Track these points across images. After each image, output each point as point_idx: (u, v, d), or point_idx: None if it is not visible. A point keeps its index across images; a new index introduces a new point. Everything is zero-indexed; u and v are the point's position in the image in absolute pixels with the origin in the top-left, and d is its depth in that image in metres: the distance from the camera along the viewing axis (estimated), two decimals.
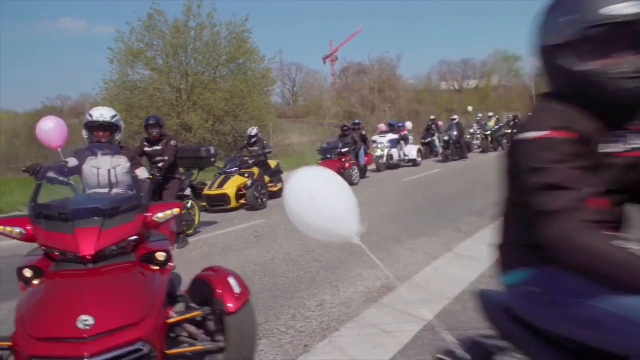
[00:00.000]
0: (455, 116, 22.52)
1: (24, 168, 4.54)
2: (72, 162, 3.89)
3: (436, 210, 9.13)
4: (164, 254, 3.27)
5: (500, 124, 25.49)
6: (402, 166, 18.67)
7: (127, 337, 2.63)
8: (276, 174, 12.04)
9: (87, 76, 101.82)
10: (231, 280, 3.11)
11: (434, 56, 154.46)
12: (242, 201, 10.47)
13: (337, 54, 63.46)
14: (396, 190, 12.19)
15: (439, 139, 21.29)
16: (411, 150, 19.30)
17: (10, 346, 2.69)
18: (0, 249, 8.13)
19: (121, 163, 3.80)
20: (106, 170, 3.76)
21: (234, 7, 32.61)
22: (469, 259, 5.84)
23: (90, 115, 4.77)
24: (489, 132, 23.47)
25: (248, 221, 9.11)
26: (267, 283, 5.32)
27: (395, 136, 18.70)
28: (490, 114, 25.90)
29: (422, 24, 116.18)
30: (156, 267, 3.24)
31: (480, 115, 26.56)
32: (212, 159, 9.71)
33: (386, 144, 18.05)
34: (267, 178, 11.41)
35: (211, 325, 3.11)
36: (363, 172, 15.54)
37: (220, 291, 3.03)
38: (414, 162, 19.05)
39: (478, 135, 24.36)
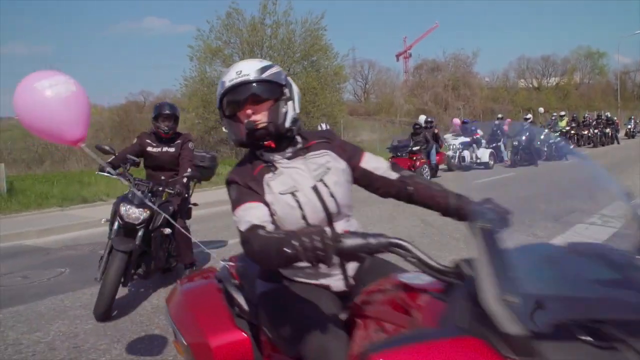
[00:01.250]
0: (530, 116, 21.43)
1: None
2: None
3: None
4: None
5: (573, 124, 23.97)
6: (475, 168, 18.36)
7: None
8: None
9: (169, 73, 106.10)
10: None
11: (512, 53, 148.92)
12: None
13: (411, 51, 62.72)
14: (468, 192, 11.95)
15: (505, 145, 20.57)
16: (484, 154, 18.97)
17: None
18: (83, 236, 8.68)
19: None
20: None
21: (309, 5, 33.02)
22: None
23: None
24: (558, 134, 21.92)
25: None
26: None
27: (467, 139, 18.56)
28: (563, 113, 24.17)
29: (500, 19, 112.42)
30: None
31: (555, 114, 25.10)
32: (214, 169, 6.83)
33: (458, 146, 18.06)
34: None
35: None
36: (435, 171, 15.49)
37: None
38: (486, 165, 18.75)
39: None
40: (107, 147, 4.80)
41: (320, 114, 24.58)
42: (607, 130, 27.59)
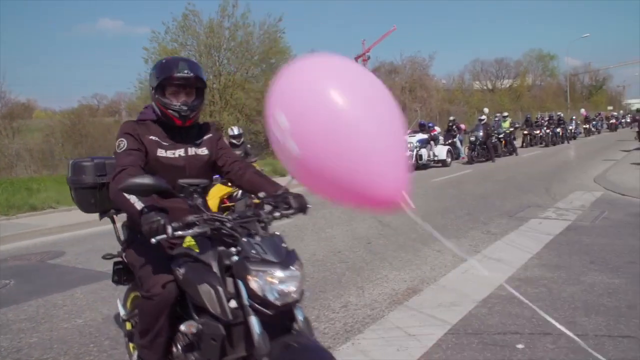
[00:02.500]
0: (484, 116, 21.75)
1: None
2: None
3: (465, 212, 9.00)
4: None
5: (517, 125, 24.44)
6: (432, 167, 18.47)
7: None
8: None
9: (123, 76, 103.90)
10: None
11: (467, 56, 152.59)
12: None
13: (370, 54, 63.18)
14: (425, 190, 12.07)
15: (461, 141, 20.81)
16: (441, 151, 19.08)
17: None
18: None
19: None
20: None
21: (268, 7, 32.93)
22: (498, 262, 5.75)
23: None
24: (502, 135, 22.05)
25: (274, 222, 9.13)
26: None
27: (425, 136, 18.53)
28: (505, 114, 24.64)
29: (455, 23, 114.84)
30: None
31: (498, 115, 25.60)
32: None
33: (415, 144, 17.89)
34: None
35: None
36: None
37: None
38: (443, 163, 18.85)
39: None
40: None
41: None
42: (558, 130, 28.44)
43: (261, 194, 2.51)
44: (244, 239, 2.10)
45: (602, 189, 10.91)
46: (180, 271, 2.32)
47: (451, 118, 23.21)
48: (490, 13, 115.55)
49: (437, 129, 21.69)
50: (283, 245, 2.16)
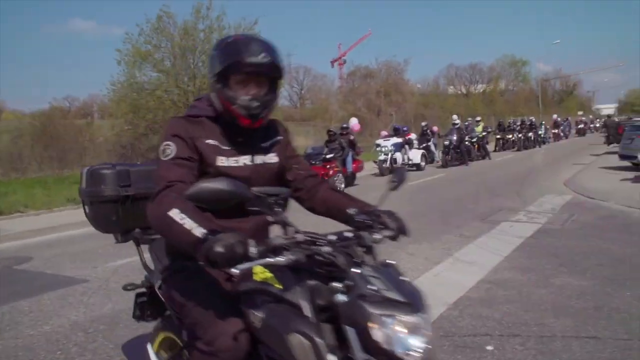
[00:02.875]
0: (457, 120, 21.95)
1: None
2: None
3: (439, 215, 9.08)
4: None
5: (490, 129, 24.79)
6: (406, 170, 18.58)
7: None
8: None
9: (96, 78, 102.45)
10: None
11: (442, 61, 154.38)
12: None
13: (346, 58, 63.39)
14: (399, 194, 12.09)
15: (435, 145, 20.95)
16: (415, 155, 19.15)
17: None
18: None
19: None
20: None
21: (243, 11, 32.80)
22: (470, 265, 5.80)
23: None
24: (475, 139, 22.46)
25: None
26: None
27: (400, 140, 18.53)
28: (478, 118, 25.08)
29: (431, 29, 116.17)
30: None
31: (469, 120, 25.99)
32: None
33: (390, 148, 17.86)
34: None
35: None
36: (351, 180, 14.66)
37: None
38: (418, 167, 18.91)
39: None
40: None
41: None
42: (530, 134, 28.95)
43: (351, 210, 2.01)
44: (356, 270, 1.56)
45: (572, 193, 11.12)
46: (258, 315, 1.71)
47: (423, 123, 23.35)
48: (465, 19, 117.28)
49: (412, 133, 21.83)
50: (403, 278, 1.63)
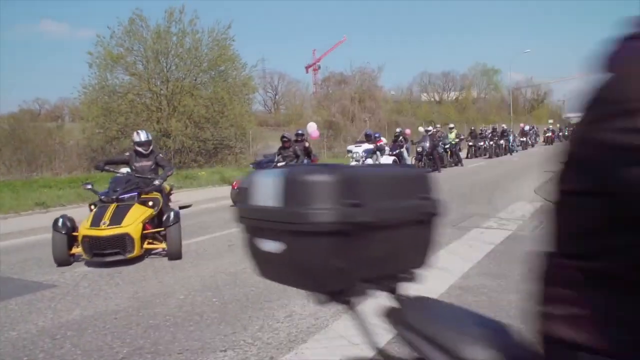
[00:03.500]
0: (430, 127, 22.26)
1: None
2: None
3: None
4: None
5: (462, 137, 25.19)
6: None
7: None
8: (168, 206, 7.90)
9: (66, 80, 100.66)
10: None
11: (415, 68, 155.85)
12: (149, 246, 7.06)
13: (320, 64, 63.71)
14: None
15: (408, 151, 20.96)
16: (387, 161, 18.60)
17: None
18: None
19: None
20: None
21: (217, 15, 32.57)
22: (440, 271, 5.86)
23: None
24: (448, 146, 22.90)
25: (222, 230, 9.01)
26: (237, 293, 5.28)
27: (371, 146, 18.38)
28: (451, 125, 25.51)
29: (404, 36, 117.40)
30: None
31: (438, 126, 26.35)
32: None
33: (361, 154, 17.70)
34: None
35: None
36: None
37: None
38: None
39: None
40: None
41: (228, 124, 24.26)
42: (502, 142, 29.46)
43: None
44: None
45: (542, 200, 11.32)
46: None
47: (398, 130, 23.46)
48: (438, 27, 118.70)
49: (384, 139, 21.90)
50: None
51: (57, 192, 13.63)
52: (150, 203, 7.39)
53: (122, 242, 6.51)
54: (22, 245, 8.43)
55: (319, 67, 62.96)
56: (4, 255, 7.58)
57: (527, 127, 39.75)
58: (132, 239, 6.57)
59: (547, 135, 44.31)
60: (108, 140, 22.05)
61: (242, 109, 25.35)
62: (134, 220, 6.73)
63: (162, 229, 7.08)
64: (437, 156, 20.18)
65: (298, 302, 4.91)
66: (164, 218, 7.06)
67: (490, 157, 27.45)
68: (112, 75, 23.14)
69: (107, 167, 7.95)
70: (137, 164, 7.89)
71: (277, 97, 65.15)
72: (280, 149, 13.37)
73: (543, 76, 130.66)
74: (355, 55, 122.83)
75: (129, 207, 6.91)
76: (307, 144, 14.54)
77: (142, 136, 8.03)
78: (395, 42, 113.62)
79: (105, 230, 6.48)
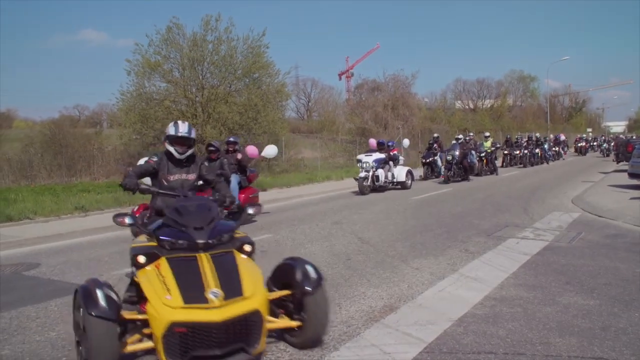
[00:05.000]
0: (460, 135, 21.79)
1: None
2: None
3: (444, 230, 9.06)
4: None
5: (498, 145, 24.62)
6: (390, 189, 16.91)
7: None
8: None
9: (106, 87, 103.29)
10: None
11: (449, 75, 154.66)
12: (274, 325, 4.11)
13: (353, 71, 63.88)
14: (404, 208, 12.14)
15: (442, 159, 20.52)
16: (400, 172, 17.34)
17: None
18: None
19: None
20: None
21: (251, 22, 33.09)
22: (475, 281, 5.79)
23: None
24: (483, 154, 22.50)
25: (254, 236, 9.07)
26: None
27: (382, 156, 16.70)
28: (487, 134, 25.01)
29: (439, 43, 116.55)
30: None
31: (471, 134, 25.96)
32: None
33: (372, 164, 16.09)
34: None
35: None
36: (238, 215, 9.40)
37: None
38: (403, 185, 17.19)
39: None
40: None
41: (262, 131, 24.46)
42: (537, 150, 28.90)
43: None
44: None
45: (580, 210, 11.07)
46: None
47: (435, 135, 23.18)
48: (473, 34, 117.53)
49: (405, 144, 21.28)
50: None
51: (95, 196, 13.94)
52: (248, 248, 4.10)
53: (250, 328, 3.44)
54: (63, 247, 8.65)
55: (352, 74, 63.14)
56: (45, 258, 7.81)
57: (562, 137, 38.39)
58: (261, 321, 3.49)
59: (579, 145, 42.17)
60: (145, 146, 22.47)
61: (275, 115, 25.51)
62: (254, 281, 3.65)
63: (288, 291, 3.99)
64: (468, 165, 19.80)
65: (330, 308, 4.91)
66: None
67: (524, 166, 26.98)
68: (150, 82, 23.56)
69: (147, 187, 4.64)
70: (171, 177, 4.69)
71: (310, 104, 65.45)
72: (206, 160, 10.35)
73: (581, 84, 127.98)
74: (388, 62, 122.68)
75: (230, 258, 3.78)
76: (239, 156, 11.32)
77: (183, 128, 4.72)
78: (429, 49, 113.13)
79: (224, 309, 3.31)
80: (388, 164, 16.84)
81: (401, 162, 17.91)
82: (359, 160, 16.67)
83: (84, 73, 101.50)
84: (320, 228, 9.62)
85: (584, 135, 45.68)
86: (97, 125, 34.10)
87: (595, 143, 45.57)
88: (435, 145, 21.92)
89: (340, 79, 71.25)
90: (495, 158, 23.29)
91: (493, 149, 23.16)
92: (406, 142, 22.26)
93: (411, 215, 11.02)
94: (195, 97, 23.85)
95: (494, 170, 22.42)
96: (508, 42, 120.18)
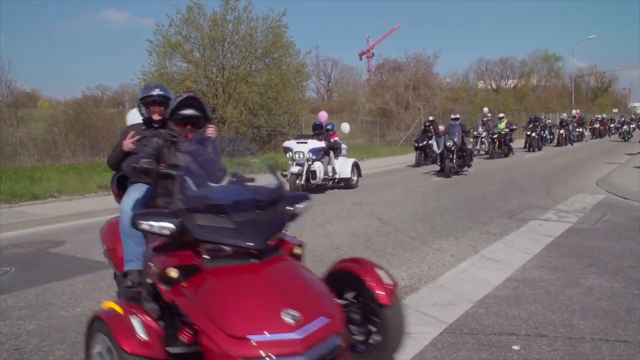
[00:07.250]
0: (458, 115, 17.23)
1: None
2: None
3: (465, 212, 8.99)
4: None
5: (513, 126, 23.55)
6: (332, 187, 12.79)
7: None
8: None
9: (128, 67, 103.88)
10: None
11: (472, 55, 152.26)
12: None
13: (374, 51, 63.19)
14: (425, 190, 12.06)
15: (437, 144, 18.54)
16: (344, 166, 13.00)
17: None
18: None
19: None
20: None
21: (271, 2, 32.79)
22: (496, 262, 5.74)
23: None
24: (496, 135, 21.67)
25: None
26: None
27: (321, 144, 12.29)
28: (502, 115, 24.12)
29: (461, 22, 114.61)
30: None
31: (489, 115, 25.26)
32: None
33: (307, 155, 11.89)
34: None
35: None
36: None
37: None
38: (347, 183, 12.90)
39: (484, 139, 22.79)
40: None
41: (282, 111, 24.46)
42: (562, 131, 28.35)
43: None
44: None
45: (604, 192, 10.88)
46: None
47: (430, 118, 21.29)
48: (496, 12, 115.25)
49: (345, 128, 17.67)
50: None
51: None
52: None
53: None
54: (86, 226, 8.78)
55: (373, 54, 62.49)
56: (69, 236, 7.95)
57: (575, 113, 34.46)
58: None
59: (594, 126, 37.22)
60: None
61: (295, 95, 25.50)
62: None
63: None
64: (469, 152, 15.98)
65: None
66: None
67: (559, 144, 26.80)
68: (171, 62, 23.71)
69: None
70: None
71: (330, 84, 65.16)
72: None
73: (607, 63, 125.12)
74: (409, 42, 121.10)
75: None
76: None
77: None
78: (451, 28, 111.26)
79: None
80: (328, 155, 12.61)
81: (344, 152, 13.75)
82: (289, 149, 12.34)
83: (106, 53, 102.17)
84: (340, 209, 9.62)
85: (599, 117, 39.66)
86: (120, 105, 34.36)
87: (612, 125, 39.97)
88: (431, 127, 19.98)
89: (360, 59, 70.67)
90: (511, 140, 22.63)
91: (507, 130, 22.44)
92: (346, 126, 18.04)
93: (432, 197, 10.92)
94: (215, 78, 23.90)
95: (509, 151, 21.91)
96: (532, 21, 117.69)
